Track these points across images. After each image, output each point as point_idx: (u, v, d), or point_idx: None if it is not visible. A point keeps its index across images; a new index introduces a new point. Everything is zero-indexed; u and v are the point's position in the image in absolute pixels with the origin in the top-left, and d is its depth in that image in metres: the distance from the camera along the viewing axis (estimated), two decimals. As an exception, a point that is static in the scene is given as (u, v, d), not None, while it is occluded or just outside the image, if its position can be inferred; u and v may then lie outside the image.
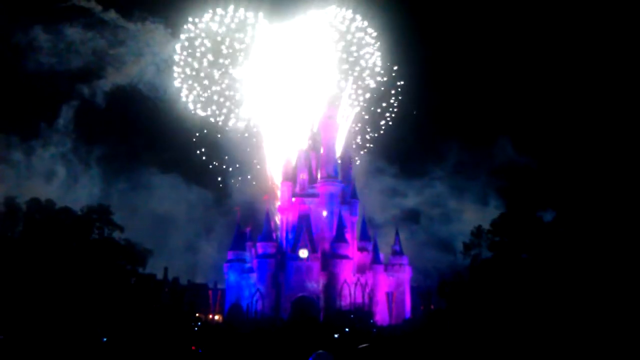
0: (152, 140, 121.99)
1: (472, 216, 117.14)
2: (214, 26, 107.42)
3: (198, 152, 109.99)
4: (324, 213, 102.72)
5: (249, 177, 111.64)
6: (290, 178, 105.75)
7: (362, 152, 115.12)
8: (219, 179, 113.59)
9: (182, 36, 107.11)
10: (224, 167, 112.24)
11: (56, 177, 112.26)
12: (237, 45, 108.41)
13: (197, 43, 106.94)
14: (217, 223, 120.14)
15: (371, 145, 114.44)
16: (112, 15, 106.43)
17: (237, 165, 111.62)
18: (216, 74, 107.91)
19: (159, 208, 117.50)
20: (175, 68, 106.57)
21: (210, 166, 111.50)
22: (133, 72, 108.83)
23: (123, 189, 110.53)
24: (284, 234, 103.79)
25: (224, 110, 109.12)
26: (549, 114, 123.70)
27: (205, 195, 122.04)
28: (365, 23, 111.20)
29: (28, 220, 61.44)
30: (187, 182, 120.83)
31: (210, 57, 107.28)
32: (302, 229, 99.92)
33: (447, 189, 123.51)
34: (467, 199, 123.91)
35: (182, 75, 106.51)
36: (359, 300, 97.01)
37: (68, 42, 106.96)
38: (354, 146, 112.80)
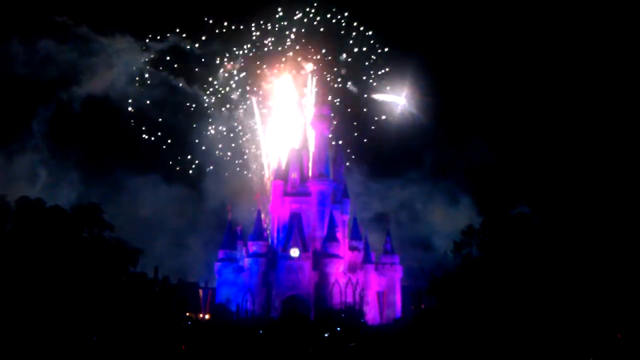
0: (127, 144, 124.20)
1: (444, 216, 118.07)
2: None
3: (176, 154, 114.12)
4: (315, 212, 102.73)
5: (226, 174, 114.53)
6: (282, 177, 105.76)
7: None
8: (203, 179, 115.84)
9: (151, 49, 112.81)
10: (206, 165, 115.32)
11: (35, 182, 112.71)
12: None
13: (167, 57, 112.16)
14: (204, 221, 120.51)
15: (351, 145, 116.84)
16: (84, 29, 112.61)
17: (223, 160, 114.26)
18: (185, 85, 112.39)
19: (141, 209, 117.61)
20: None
21: (193, 165, 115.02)
22: (105, 81, 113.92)
23: (103, 193, 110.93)
24: (275, 233, 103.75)
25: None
26: (522, 113, 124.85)
27: (188, 193, 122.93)
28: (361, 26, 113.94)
29: (17, 219, 61.05)
30: (167, 181, 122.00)
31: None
32: (294, 228, 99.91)
33: (419, 189, 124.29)
34: (440, 199, 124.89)
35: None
36: (350, 299, 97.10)
37: (43, 53, 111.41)
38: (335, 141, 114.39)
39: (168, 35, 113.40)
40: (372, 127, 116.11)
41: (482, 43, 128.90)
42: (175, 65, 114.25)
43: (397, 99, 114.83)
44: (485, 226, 60.14)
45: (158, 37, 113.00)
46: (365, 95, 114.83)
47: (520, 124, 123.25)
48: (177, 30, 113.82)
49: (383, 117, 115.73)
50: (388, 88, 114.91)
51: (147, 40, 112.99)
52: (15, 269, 55.32)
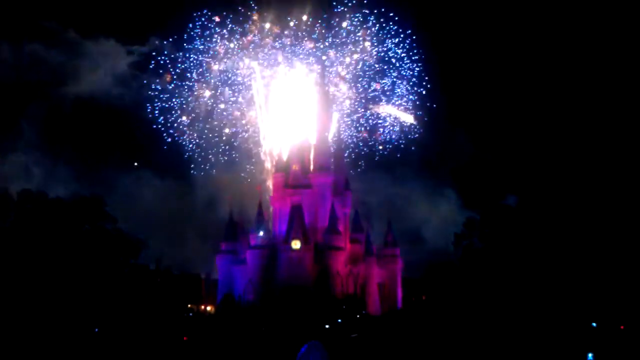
0: (117, 141, 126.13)
1: (430, 209, 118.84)
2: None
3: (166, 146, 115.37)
4: (317, 204, 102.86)
5: (219, 169, 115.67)
6: (283, 169, 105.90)
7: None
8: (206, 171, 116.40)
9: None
10: (199, 160, 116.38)
11: (28, 179, 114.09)
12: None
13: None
14: (200, 214, 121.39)
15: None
16: (72, 34, 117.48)
17: (218, 154, 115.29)
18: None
19: (136, 204, 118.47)
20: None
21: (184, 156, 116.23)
22: (92, 83, 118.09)
23: (96, 189, 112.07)
24: (277, 225, 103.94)
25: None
26: (506, 108, 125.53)
27: (181, 188, 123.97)
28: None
29: (19, 211, 61.31)
30: (159, 176, 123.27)
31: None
32: (295, 220, 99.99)
33: (405, 184, 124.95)
34: (425, 193, 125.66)
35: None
36: (351, 291, 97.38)
37: (32, 56, 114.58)
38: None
39: (150, 38, 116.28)
40: (379, 137, 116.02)
41: (459, 39, 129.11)
42: (155, 66, 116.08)
43: (408, 118, 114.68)
44: (485, 218, 60.39)
45: (140, 41, 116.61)
46: (372, 108, 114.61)
47: (502, 120, 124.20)
48: (159, 32, 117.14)
49: (394, 135, 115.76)
50: (384, 101, 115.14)
51: (130, 44, 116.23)
52: (17, 260, 55.62)
